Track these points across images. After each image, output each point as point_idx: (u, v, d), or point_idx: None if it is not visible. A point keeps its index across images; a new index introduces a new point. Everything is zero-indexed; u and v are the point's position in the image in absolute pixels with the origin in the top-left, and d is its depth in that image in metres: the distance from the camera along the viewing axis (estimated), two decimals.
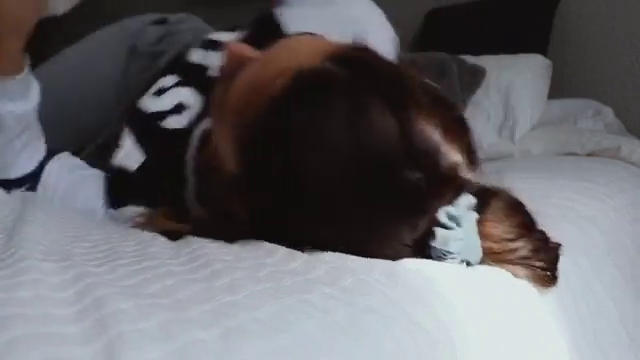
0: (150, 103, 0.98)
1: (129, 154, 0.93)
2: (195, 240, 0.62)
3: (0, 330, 0.37)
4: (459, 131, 0.60)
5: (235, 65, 0.68)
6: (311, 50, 0.63)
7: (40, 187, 0.97)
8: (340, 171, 0.57)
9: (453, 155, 0.58)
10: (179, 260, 0.55)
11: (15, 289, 0.44)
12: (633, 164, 1.47)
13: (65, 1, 1.00)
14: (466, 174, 0.59)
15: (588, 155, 1.54)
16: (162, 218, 0.73)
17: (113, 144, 0.97)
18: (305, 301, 0.45)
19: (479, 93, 1.76)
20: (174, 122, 0.94)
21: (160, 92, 0.99)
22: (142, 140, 0.94)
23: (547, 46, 2.01)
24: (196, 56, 1.03)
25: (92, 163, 1.03)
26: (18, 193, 0.96)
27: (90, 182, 0.95)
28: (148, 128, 0.95)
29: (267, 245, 0.59)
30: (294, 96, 0.60)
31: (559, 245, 0.60)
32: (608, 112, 1.88)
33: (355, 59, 0.61)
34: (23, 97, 0.94)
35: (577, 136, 1.62)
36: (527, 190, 0.65)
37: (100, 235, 0.68)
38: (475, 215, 0.58)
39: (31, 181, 0.98)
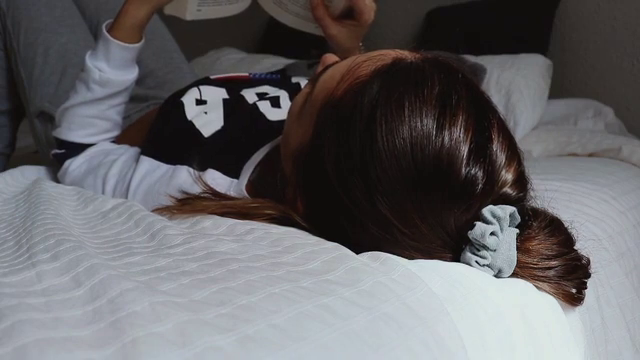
0: (252, 97, 0.99)
1: (211, 122, 0.93)
2: (209, 235, 0.62)
3: (11, 336, 0.37)
4: (516, 156, 0.62)
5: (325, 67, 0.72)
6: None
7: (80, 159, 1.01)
8: (410, 152, 0.57)
9: (508, 174, 0.60)
10: (193, 256, 0.55)
11: (27, 296, 0.44)
12: (634, 165, 1.47)
13: (193, 10, 1.01)
14: (514, 192, 0.60)
15: (589, 156, 1.54)
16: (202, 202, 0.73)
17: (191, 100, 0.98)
18: (324, 306, 0.44)
19: None
20: (272, 112, 0.95)
21: (262, 95, 1.00)
22: (230, 117, 0.95)
23: (547, 46, 2.01)
24: (297, 79, 1.07)
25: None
26: (23, 185, 0.96)
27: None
28: (245, 111, 0.96)
29: (286, 242, 0.59)
30: (391, 71, 0.62)
31: (589, 263, 0.60)
32: (608, 112, 1.88)
33: (450, 67, 0.63)
34: (124, 67, 0.99)
35: (578, 137, 1.61)
36: (535, 192, 0.64)
37: (111, 230, 0.67)
38: (516, 230, 0.59)
39: (75, 153, 1.02)
